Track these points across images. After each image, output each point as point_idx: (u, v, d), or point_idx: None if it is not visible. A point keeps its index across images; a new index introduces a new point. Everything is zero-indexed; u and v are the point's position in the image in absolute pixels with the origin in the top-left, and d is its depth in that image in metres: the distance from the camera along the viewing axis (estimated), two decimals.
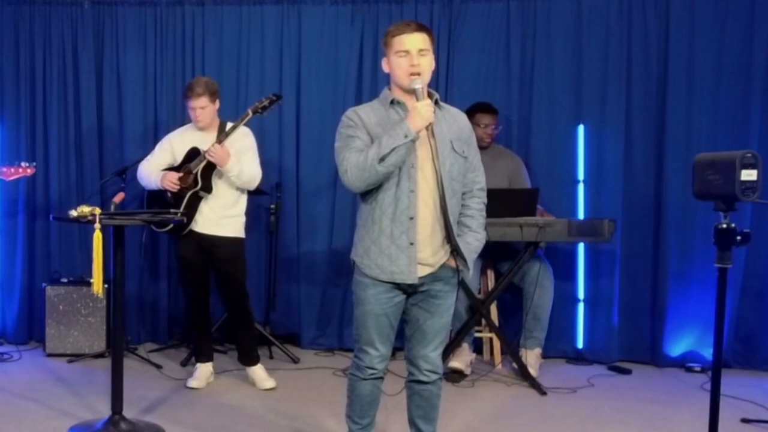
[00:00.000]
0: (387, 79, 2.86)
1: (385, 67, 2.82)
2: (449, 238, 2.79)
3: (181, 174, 4.28)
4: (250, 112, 4.24)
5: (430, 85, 2.81)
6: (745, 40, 4.76)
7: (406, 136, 2.64)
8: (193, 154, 4.27)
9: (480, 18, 5.11)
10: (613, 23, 4.93)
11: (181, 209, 4.15)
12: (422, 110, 2.65)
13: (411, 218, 2.72)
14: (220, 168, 4.18)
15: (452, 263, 2.82)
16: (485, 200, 2.91)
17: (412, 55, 2.71)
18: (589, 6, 4.97)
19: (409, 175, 2.72)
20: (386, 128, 2.72)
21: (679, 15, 4.82)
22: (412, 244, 2.73)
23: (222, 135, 4.21)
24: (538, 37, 5.04)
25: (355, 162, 2.70)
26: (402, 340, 3.02)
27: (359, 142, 2.74)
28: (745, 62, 4.76)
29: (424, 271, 2.77)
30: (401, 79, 2.75)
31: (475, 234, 2.85)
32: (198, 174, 4.22)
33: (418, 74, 2.71)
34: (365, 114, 2.80)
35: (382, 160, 2.64)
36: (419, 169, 2.73)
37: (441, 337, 2.89)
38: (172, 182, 4.28)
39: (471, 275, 2.94)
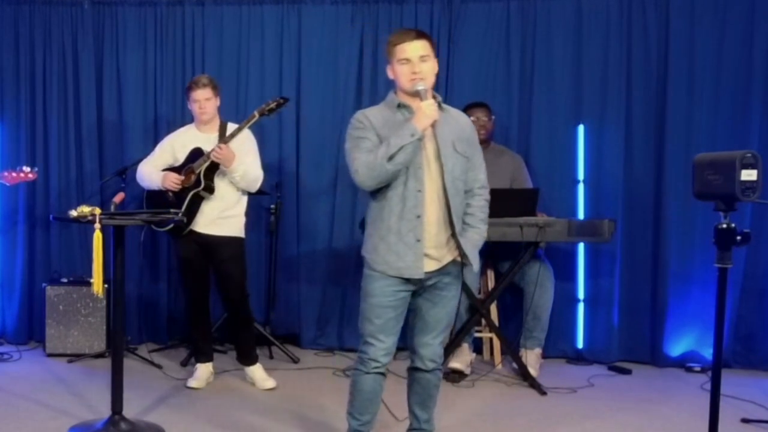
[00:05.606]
0: (387, 82, 2.91)
1: (389, 74, 2.95)
2: (454, 234, 2.88)
3: (182, 174, 4.28)
4: (257, 114, 4.22)
5: (433, 89, 2.90)
6: (745, 40, 4.76)
7: (412, 135, 2.76)
8: (196, 154, 4.26)
9: (480, 18, 5.11)
10: (613, 23, 4.93)
11: (183, 209, 4.14)
12: (426, 109, 2.79)
13: (418, 216, 2.83)
14: (224, 168, 4.18)
15: (459, 258, 2.91)
16: (487, 197, 3.04)
17: (413, 62, 2.83)
18: (589, 6, 4.97)
19: (416, 175, 2.83)
20: (393, 129, 2.83)
21: (679, 15, 4.82)
22: (418, 241, 2.83)
23: (227, 136, 4.20)
24: (538, 37, 5.04)
25: (365, 161, 2.82)
26: (403, 340, 3.03)
27: (368, 143, 2.86)
28: (745, 62, 4.76)
29: (431, 266, 2.88)
30: (404, 85, 2.88)
31: (475, 229, 2.96)
32: (201, 174, 4.22)
33: (421, 79, 2.83)
34: (373, 116, 2.92)
35: (390, 158, 2.76)
36: (426, 169, 2.84)
37: (442, 326, 2.97)
38: (173, 182, 4.27)
39: (477, 269, 3.02)
